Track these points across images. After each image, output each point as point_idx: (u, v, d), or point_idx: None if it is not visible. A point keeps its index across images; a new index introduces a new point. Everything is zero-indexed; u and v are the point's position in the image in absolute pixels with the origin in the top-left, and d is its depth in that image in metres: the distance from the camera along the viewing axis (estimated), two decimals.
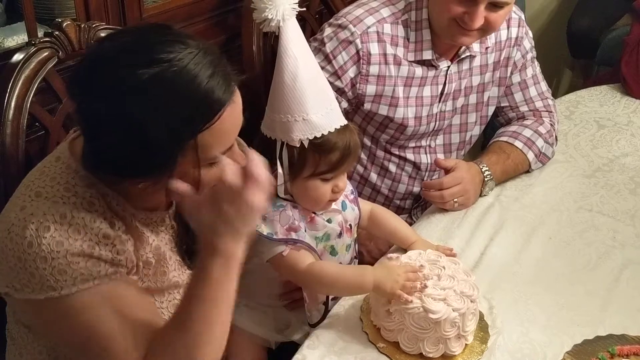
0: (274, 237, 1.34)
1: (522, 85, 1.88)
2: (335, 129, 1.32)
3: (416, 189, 1.90)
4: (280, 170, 1.34)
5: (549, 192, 1.83)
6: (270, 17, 1.27)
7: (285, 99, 1.29)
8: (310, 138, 1.31)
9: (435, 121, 1.81)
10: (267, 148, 1.33)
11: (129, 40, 1.06)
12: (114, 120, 1.01)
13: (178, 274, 1.24)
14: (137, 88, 0.99)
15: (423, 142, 1.85)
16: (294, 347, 1.41)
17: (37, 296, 1.06)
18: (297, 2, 1.33)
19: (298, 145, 1.31)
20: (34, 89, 1.35)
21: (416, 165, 1.86)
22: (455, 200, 1.69)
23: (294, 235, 1.35)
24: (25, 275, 1.06)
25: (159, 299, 1.21)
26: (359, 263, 1.55)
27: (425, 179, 1.88)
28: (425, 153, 1.86)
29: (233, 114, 1.07)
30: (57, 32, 1.37)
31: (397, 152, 1.84)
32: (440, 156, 1.87)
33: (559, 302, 1.45)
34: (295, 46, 1.29)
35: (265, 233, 1.34)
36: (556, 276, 1.53)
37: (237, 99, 1.08)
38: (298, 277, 1.37)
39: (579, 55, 3.24)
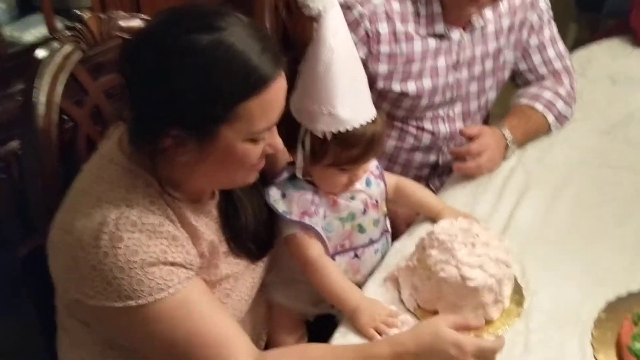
0: (287, 217, 1.35)
1: (540, 47, 1.87)
2: (361, 124, 1.30)
3: (432, 158, 1.90)
4: (300, 154, 1.34)
5: (570, 151, 1.84)
6: (311, 6, 1.25)
7: (314, 88, 1.28)
8: (334, 132, 1.29)
9: (452, 90, 1.81)
10: (294, 125, 1.34)
11: (184, 12, 1.09)
12: (170, 77, 1.03)
13: (225, 265, 1.26)
14: (195, 52, 1.02)
15: (441, 112, 1.85)
16: (331, 318, 1.45)
17: (113, 304, 1.08)
18: None
19: (321, 137, 1.31)
20: (62, 84, 1.34)
21: (434, 135, 1.86)
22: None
23: (306, 220, 1.35)
24: (101, 283, 1.07)
25: (211, 291, 1.22)
26: (393, 238, 1.56)
27: (442, 148, 1.89)
28: (444, 122, 1.86)
29: (280, 89, 1.10)
30: (79, 25, 1.36)
31: (414, 123, 1.85)
32: (460, 124, 1.87)
33: (589, 260, 1.46)
34: (333, 37, 1.26)
35: (280, 210, 1.36)
36: (584, 234, 1.54)
37: (284, 78, 1.10)
38: (303, 260, 1.37)
39: (585, 8, 3.22)
